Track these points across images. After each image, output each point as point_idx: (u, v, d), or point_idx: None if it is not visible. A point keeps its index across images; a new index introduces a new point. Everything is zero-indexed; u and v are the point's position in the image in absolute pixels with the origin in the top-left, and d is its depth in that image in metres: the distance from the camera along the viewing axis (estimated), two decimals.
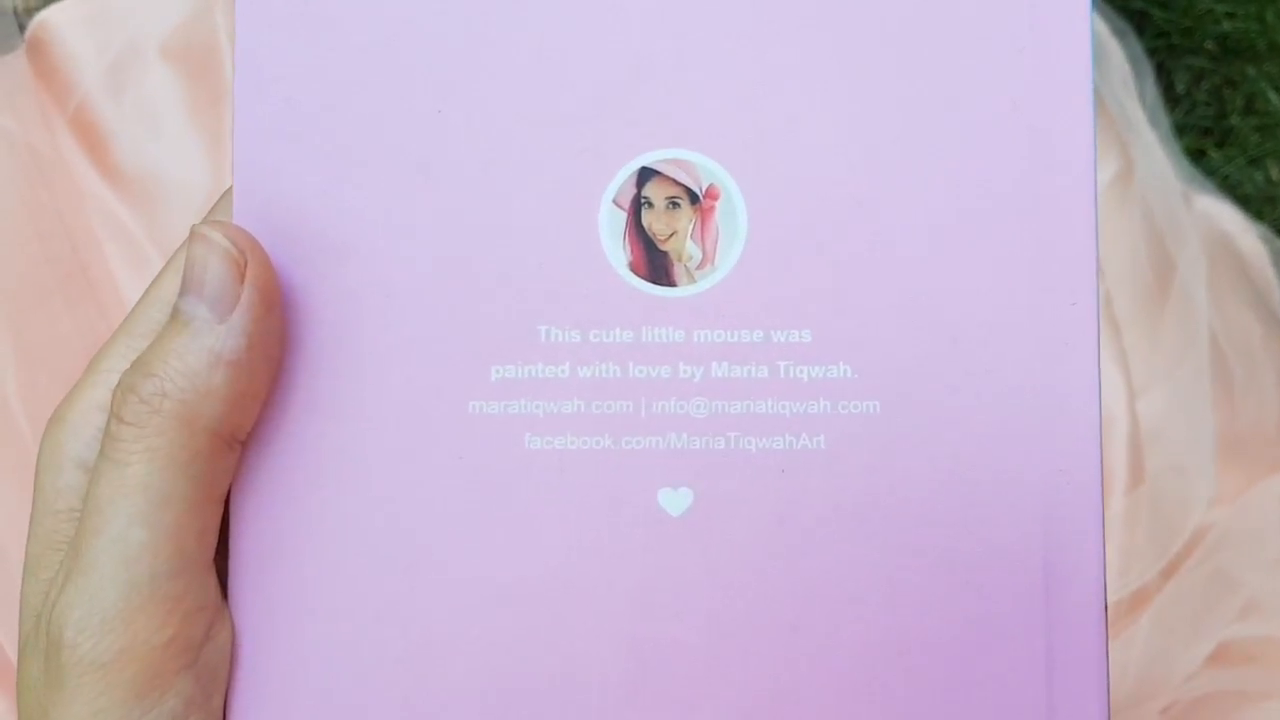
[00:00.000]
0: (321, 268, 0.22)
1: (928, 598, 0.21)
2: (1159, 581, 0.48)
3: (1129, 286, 0.50)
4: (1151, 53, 0.59)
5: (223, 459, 0.21)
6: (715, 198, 0.22)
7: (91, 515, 0.20)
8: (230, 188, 0.22)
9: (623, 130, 0.22)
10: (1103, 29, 0.55)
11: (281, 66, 0.22)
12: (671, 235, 0.22)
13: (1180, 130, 0.68)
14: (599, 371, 0.22)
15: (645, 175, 0.22)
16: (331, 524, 0.22)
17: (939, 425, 0.21)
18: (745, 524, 0.21)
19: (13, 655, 0.43)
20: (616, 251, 0.22)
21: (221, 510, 0.21)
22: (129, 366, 0.21)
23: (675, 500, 0.22)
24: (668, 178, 0.22)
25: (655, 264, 0.22)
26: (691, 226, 0.22)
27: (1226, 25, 0.70)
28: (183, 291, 0.21)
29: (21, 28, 0.51)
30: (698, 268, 0.22)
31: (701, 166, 0.22)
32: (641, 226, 0.22)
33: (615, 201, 0.22)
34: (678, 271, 0.22)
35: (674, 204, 0.22)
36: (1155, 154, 0.52)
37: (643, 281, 0.22)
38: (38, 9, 0.50)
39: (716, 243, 0.22)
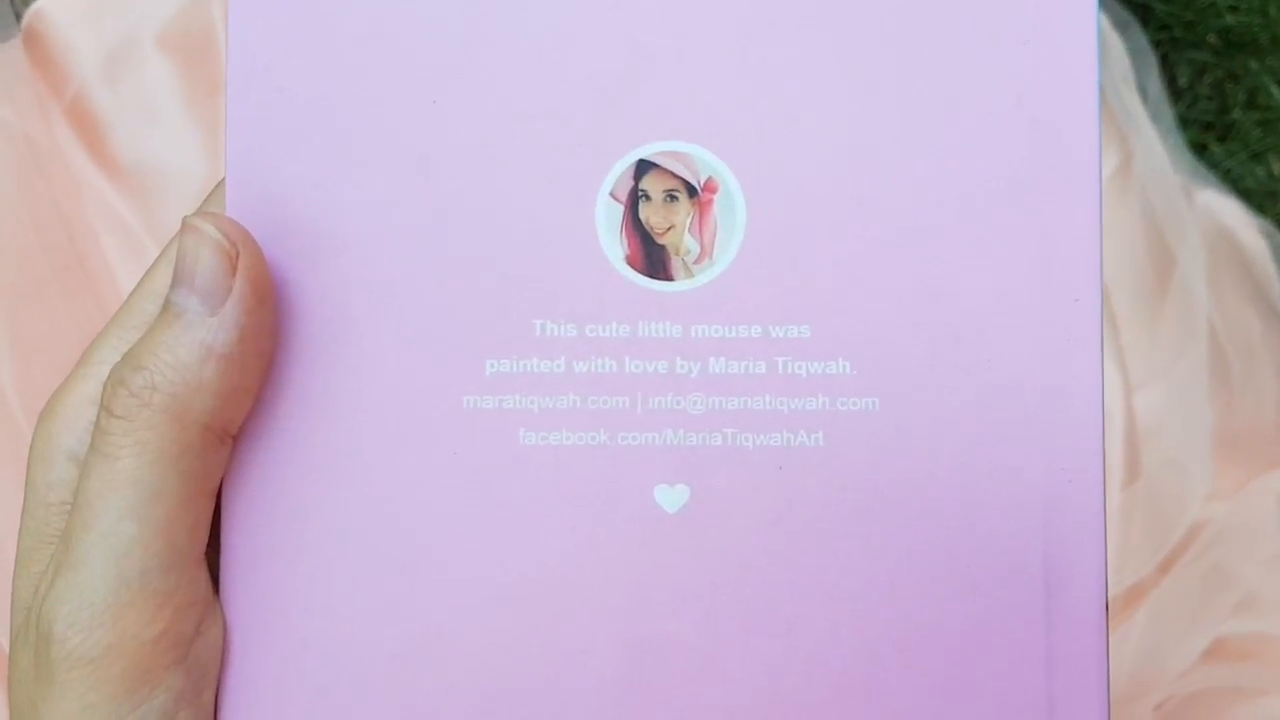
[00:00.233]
0: (315, 260, 0.22)
1: (927, 595, 0.21)
2: (1155, 577, 0.48)
3: (1127, 282, 0.50)
4: (1153, 46, 0.59)
5: (214, 453, 0.21)
6: (713, 191, 0.22)
7: (81, 509, 0.20)
8: (224, 179, 0.22)
9: (620, 122, 0.22)
10: (1104, 22, 0.54)
11: (274, 56, 0.22)
12: (669, 229, 0.22)
13: (1182, 124, 0.67)
14: (595, 366, 0.21)
15: (643, 168, 0.22)
16: (324, 519, 0.21)
17: (938, 422, 0.21)
18: (742, 521, 0.21)
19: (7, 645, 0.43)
20: (613, 245, 0.22)
21: (213, 505, 0.21)
22: (119, 359, 0.21)
23: (672, 497, 0.21)
24: (665, 170, 0.22)
25: (652, 258, 0.22)
26: (689, 220, 0.22)
27: (1229, 19, 0.69)
28: (174, 283, 0.20)
29: (18, 17, 0.50)
30: (695, 262, 0.22)
31: (700, 159, 0.22)
32: (639, 220, 0.22)
33: (612, 194, 0.22)
34: (675, 265, 0.22)
35: (672, 197, 0.22)
36: (1155, 148, 0.52)
37: (639, 275, 0.22)
38: None
39: (714, 236, 0.22)
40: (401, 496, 0.21)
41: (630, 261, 0.22)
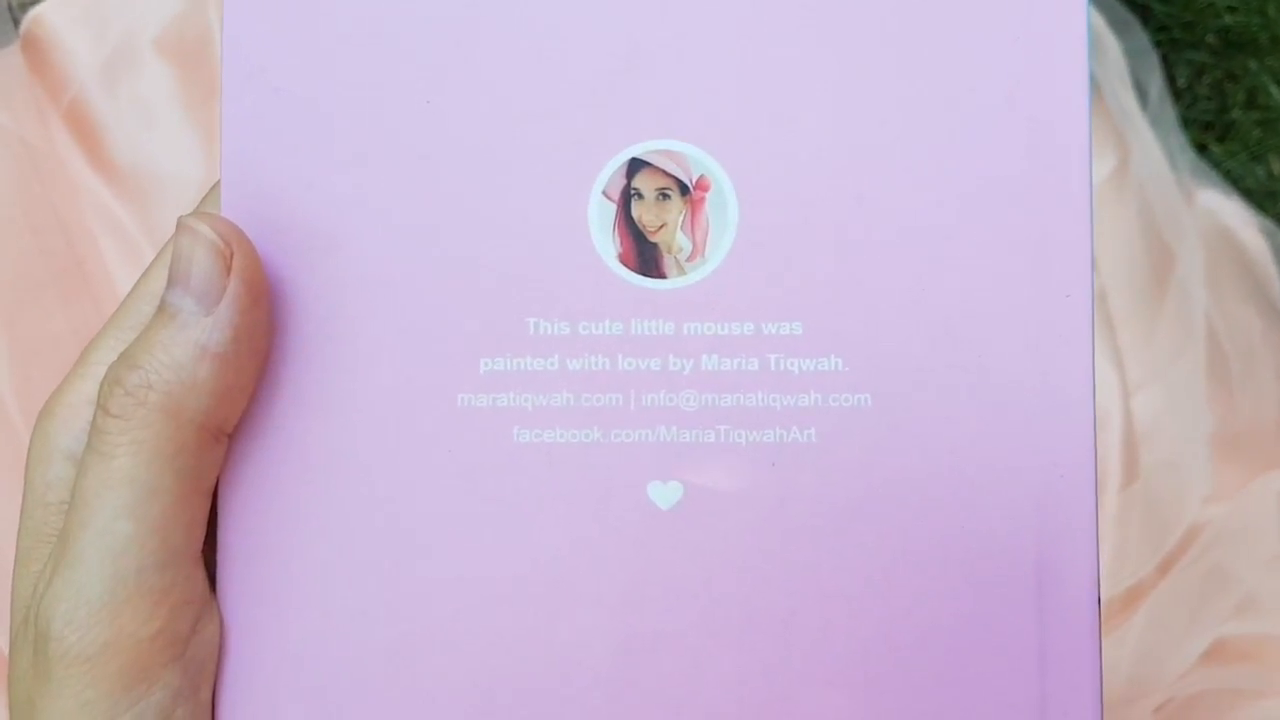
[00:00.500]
0: (309, 260, 0.22)
1: (919, 592, 0.21)
2: (1154, 578, 0.48)
3: (1125, 282, 0.50)
4: (1153, 46, 0.59)
5: (209, 452, 0.21)
6: (706, 189, 0.22)
7: (78, 508, 0.20)
8: (220, 180, 0.22)
9: (612, 121, 0.22)
10: (1100, 22, 0.54)
11: (269, 57, 0.22)
12: (661, 227, 0.22)
13: (1182, 125, 0.67)
14: (588, 364, 0.22)
15: (635, 166, 0.22)
16: (319, 517, 0.22)
17: (931, 418, 0.21)
18: (735, 517, 0.21)
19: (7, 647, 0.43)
20: (606, 243, 0.22)
21: (209, 503, 0.21)
22: (116, 359, 0.21)
23: (665, 493, 0.21)
24: (658, 169, 0.22)
25: (645, 256, 0.22)
26: (682, 218, 0.22)
27: (1228, 19, 0.69)
28: (169, 284, 0.21)
29: (16, 22, 0.51)
30: (688, 259, 0.22)
31: (692, 157, 0.22)
32: (631, 218, 0.22)
33: (605, 193, 0.22)
34: (667, 263, 0.22)
35: (664, 195, 0.22)
36: (1152, 148, 0.52)
37: (632, 273, 0.22)
38: (32, 3, 0.50)
39: (707, 234, 0.22)
40: (396, 494, 0.21)
41: (623, 259, 0.22)
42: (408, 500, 0.21)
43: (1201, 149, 0.68)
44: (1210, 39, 0.70)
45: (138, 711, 0.20)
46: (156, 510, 0.20)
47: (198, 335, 0.20)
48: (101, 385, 0.21)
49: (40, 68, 0.49)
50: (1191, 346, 0.50)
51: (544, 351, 0.22)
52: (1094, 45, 0.54)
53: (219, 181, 0.22)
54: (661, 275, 0.22)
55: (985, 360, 0.21)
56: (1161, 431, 0.49)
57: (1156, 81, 0.56)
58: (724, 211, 0.22)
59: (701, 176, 0.22)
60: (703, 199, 0.22)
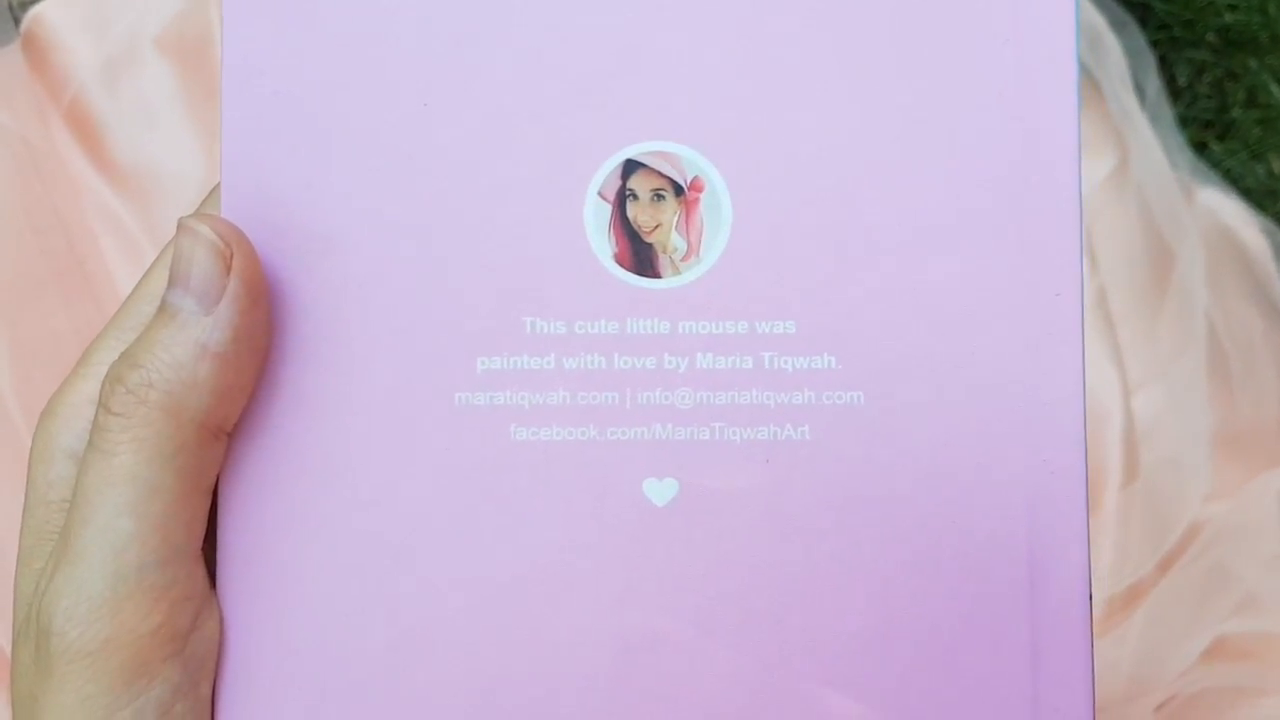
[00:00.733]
0: (309, 260, 0.22)
1: (912, 588, 0.21)
2: (1155, 576, 0.48)
3: (1125, 281, 0.50)
4: (1153, 45, 0.59)
5: (209, 450, 0.21)
6: (700, 190, 0.22)
7: (80, 505, 0.20)
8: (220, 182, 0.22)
9: (607, 122, 0.22)
10: (1100, 22, 0.54)
11: (269, 60, 0.22)
12: (656, 227, 0.22)
13: (1182, 123, 0.67)
14: (584, 363, 0.22)
15: (630, 167, 0.22)
16: (319, 515, 0.22)
17: (923, 415, 0.21)
18: (730, 514, 0.22)
19: (9, 648, 0.43)
20: (601, 243, 0.22)
21: (209, 501, 0.21)
22: (117, 358, 0.21)
23: (660, 490, 0.22)
24: (653, 170, 0.22)
25: (640, 256, 0.22)
26: (676, 218, 0.22)
27: (1228, 18, 0.69)
28: (170, 284, 0.21)
29: (16, 21, 0.51)
30: (682, 259, 0.22)
31: (686, 159, 0.22)
32: (626, 218, 0.22)
33: (600, 194, 0.22)
34: (662, 263, 0.22)
35: (659, 196, 0.22)
36: (1152, 148, 0.52)
37: (628, 273, 0.22)
38: (33, 2, 0.50)
39: (701, 234, 0.22)
40: (395, 492, 0.22)
41: (618, 259, 0.22)
42: (406, 498, 0.22)
43: (1202, 147, 0.68)
44: (1211, 37, 0.70)
45: (138, 707, 0.20)
46: (157, 507, 0.20)
47: (198, 334, 0.20)
48: (103, 384, 0.21)
49: (41, 67, 0.49)
50: (1192, 345, 0.50)
51: (541, 350, 0.22)
52: (1092, 45, 0.54)
53: (219, 183, 0.22)
54: (657, 275, 0.22)
55: (977, 358, 0.21)
56: (1162, 430, 0.49)
57: (1153, 81, 0.56)
58: (718, 212, 0.22)
59: (696, 177, 0.22)
60: (697, 199, 0.22)
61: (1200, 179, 0.54)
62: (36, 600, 0.21)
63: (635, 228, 0.22)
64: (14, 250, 0.47)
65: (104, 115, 0.48)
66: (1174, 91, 0.69)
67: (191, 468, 0.21)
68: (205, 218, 0.21)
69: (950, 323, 0.21)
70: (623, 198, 0.22)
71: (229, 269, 0.21)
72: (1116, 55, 0.54)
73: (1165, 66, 0.69)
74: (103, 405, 0.21)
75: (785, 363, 0.22)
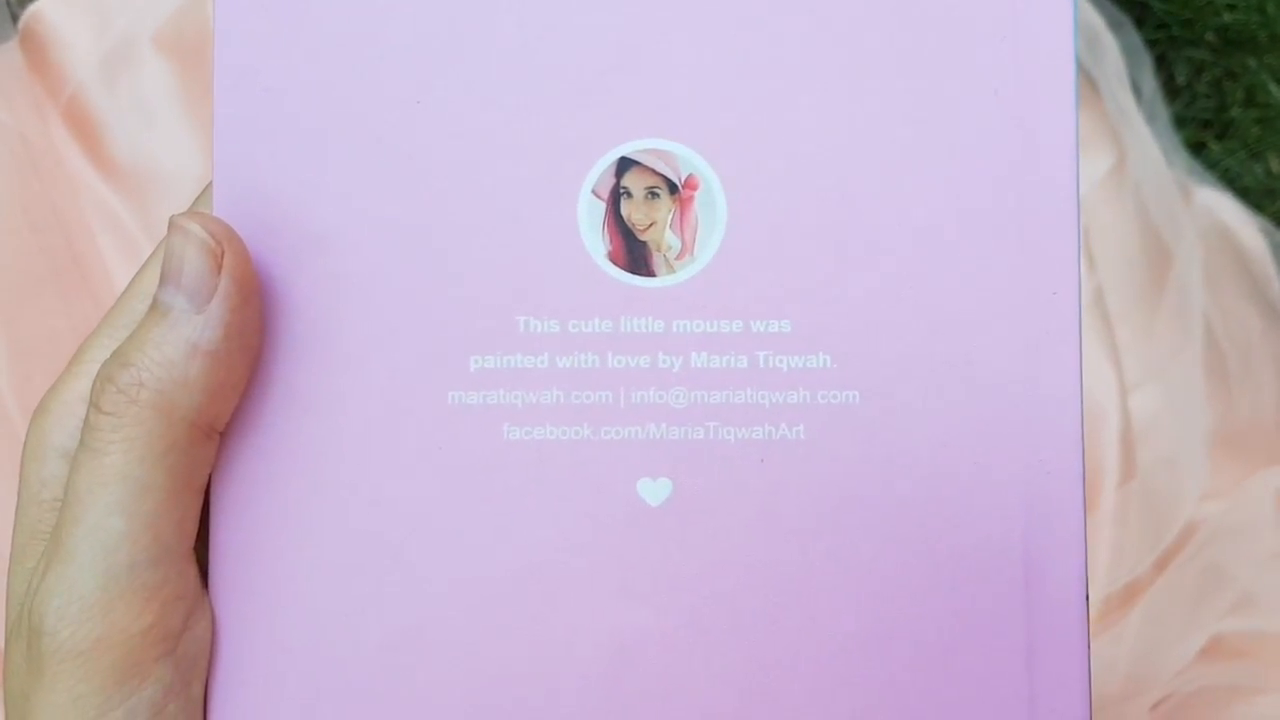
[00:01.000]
0: (301, 258, 0.22)
1: (908, 587, 0.21)
2: (1151, 575, 0.48)
3: (1123, 280, 0.50)
4: (1152, 44, 0.59)
5: (200, 449, 0.21)
6: (694, 188, 0.22)
7: (71, 504, 0.20)
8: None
9: (602, 120, 0.22)
10: (1098, 21, 0.54)
11: (261, 57, 0.22)
12: (650, 225, 0.22)
13: (1180, 123, 0.67)
14: (578, 361, 0.22)
15: (624, 165, 0.22)
16: (311, 514, 0.22)
17: (918, 415, 0.21)
18: (725, 514, 0.21)
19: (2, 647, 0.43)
20: (595, 242, 0.22)
21: (201, 500, 0.21)
22: (109, 357, 0.21)
23: (654, 490, 0.22)
24: (647, 168, 0.22)
25: (634, 254, 0.22)
26: (670, 216, 0.22)
27: (1227, 17, 0.69)
28: (161, 282, 0.21)
29: (15, 18, 0.51)
30: (677, 258, 0.22)
31: (681, 157, 0.22)
32: (620, 217, 0.22)
33: (594, 192, 0.22)
34: (657, 261, 0.22)
35: (653, 194, 0.22)
36: (1150, 147, 0.52)
37: (622, 272, 0.22)
38: (31, 0, 0.50)
39: (695, 233, 0.22)
40: (387, 491, 0.22)
41: (612, 258, 0.22)
42: (398, 497, 0.22)
43: (1200, 147, 0.68)
44: (1209, 37, 0.70)
45: (130, 706, 0.20)
46: (148, 507, 0.20)
47: (189, 333, 0.20)
48: (94, 383, 0.21)
49: (39, 64, 0.49)
50: (1189, 344, 0.50)
51: (534, 349, 0.22)
52: (1089, 44, 0.54)
53: (212, 181, 0.22)
54: (651, 273, 0.22)
55: (973, 357, 0.21)
56: (1159, 429, 0.49)
57: (1150, 81, 0.56)
58: (712, 210, 0.22)
59: (690, 175, 0.22)
60: (691, 198, 0.22)
61: (1197, 178, 0.54)
62: (28, 600, 0.21)
63: (629, 226, 0.22)
64: (12, 248, 0.47)
65: (102, 113, 0.48)
66: (1172, 91, 0.69)
67: (183, 466, 0.20)
68: (197, 216, 0.21)
69: (947, 322, 0.21)
70: (617, 196, 0.22)
71: (220, 267, 0.21)
72: (1114, 55, 0.54)
73: (1164, 65, 0.69)
74: (94, 404, 0.20)
75: (780, 362, 0.22)
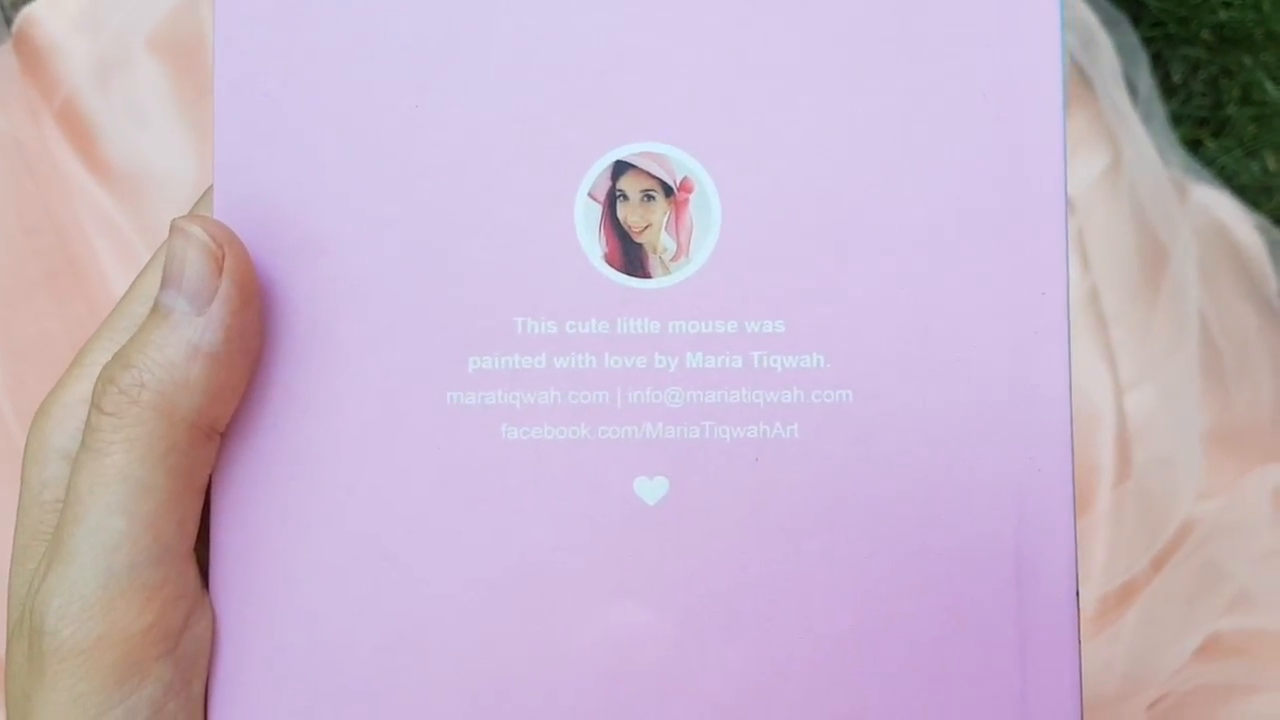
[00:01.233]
0: (301, 261, 0.22)
1: (900, 586, 0.21)
2: (1147, 575, 0.48)
3: (1118, 279, 0.50)
4: (1148, 42, 0.59)
5: (201, 450, 0.21)
6: (690, 190, 0.22)
7: (72, 504, 0.20)
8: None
9: (597, 123, 0.22)
10: (1093, 20, 0.55)
11: (260, 62, 0.22)
12: (646, 228, 0.22)
13: (1176, 120, 0.68)
14: (575, 362, 0.22)
15: (620, 168, 0.22)
16: (311, 514, 0.22)
17: (911, 414, 0.22)
18: (720, 512, 0.22)
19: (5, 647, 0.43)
20: (592, 244, 0.22)
21: (201, 500, 0.21)
22: (110, 358, 0.21)
23: (651, 489, 0.22)
24: (642, 170, 0.22)
25: (630, 256, 0.22)
26: (666, 219, 0.22)
27: (1223, 15, 0.69)
28: (162, 284, 0.21)
29: (8, 21, 0.51)
30: (672, 260, 0.22)
31: (676, 160, 0.22)
32: (616, 219, 0.22)
33: (590, 194, 0.22)
34: (652, 263, 0.22)
35: (649, 197, 0.22)
36: (1145, 146, 0.52)
37: (618, 273, 0.22)
38: (24, 2, 0.50)
39: (691, 235, 0.22)
40: (386, 491, 0.22)
41: (609, 260, 0.22)
42: (397, 497, 0.22)
43: (1196, 145, 0.69)
44: (1205, 34, 0.70)
45: (130, 705, 0.20)
46: (149, 507, 0.20)
47: (190, 335, 0.20)
48: (96, 384, 0.21)
49: (33, 67, 0.49)
50: (1185, 343, 0.50)
51: (532, 350, 0.22)
52: (1085, 43, 0.54)
53: (212, 185, 0.22)
54: (647, 275, 0.22)
55: (964, 357, 0.22)
56: (1155, 428, 0.49)
57: (1146, 79, 0.56)
58: (707, 212, 0.22)
59: (685, 178, 0.22)
60: (686, 200, 0.22)
61: (1193, 176, 0.54)
62: (30, 600, 0.21)
63: (625, 228, 0.22)
64: (6, 251, 0.47)
65: (96, 115, 0.48)
66: (1169, 88, 0.69)
67: (183, 467, 0.21)
68: (197, 219, 0.21)
69: (938, 322, 0.22)
70: (613, 198, 0.22)
71: (221, 270, 0.21)
72: (1109, 53, 0.54)
73: (1160, 63, 0.69)
74: (95, 405, 0.21)
75: (774, 362, 0.22)
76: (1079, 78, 0.53)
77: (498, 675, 0.22)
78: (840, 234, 0.22)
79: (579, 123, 0.22)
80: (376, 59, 0.22)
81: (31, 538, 0.22)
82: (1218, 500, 0.49)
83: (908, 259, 0.22)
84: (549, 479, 0.22)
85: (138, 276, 0.23)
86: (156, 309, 0.21)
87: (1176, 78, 0.70)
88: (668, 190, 0.22)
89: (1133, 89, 0.55)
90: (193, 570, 0.21)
